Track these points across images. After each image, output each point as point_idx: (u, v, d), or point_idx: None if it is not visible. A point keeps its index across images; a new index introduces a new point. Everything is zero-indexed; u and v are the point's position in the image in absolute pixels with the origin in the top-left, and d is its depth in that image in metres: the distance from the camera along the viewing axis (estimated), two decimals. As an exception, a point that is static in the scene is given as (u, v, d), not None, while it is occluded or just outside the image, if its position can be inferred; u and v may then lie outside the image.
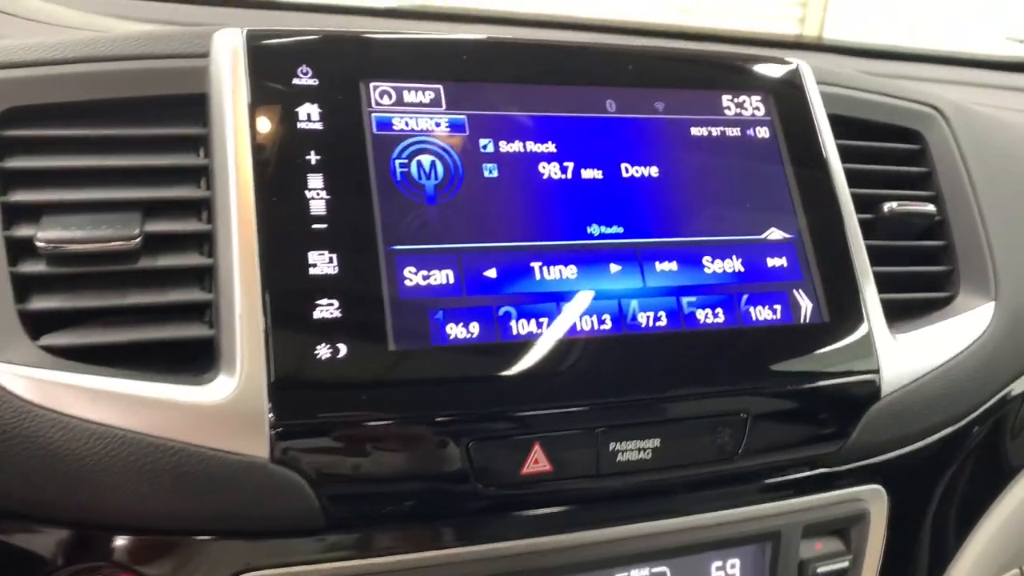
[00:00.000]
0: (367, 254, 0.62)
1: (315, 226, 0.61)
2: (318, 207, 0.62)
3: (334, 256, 0.61)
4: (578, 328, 0.67)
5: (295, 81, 0.65)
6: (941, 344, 0.81)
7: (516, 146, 0.69)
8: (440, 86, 0.68)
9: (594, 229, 0.70)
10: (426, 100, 0.68)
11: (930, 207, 0.86)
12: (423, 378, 0.61)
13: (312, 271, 0.61)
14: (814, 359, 0.73)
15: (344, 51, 0.67)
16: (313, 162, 0.63)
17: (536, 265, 0.68)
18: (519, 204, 0.68)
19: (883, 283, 0.79)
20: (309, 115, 0.65)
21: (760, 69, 0.82)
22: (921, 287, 0.85)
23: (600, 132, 0.73)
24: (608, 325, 0.68)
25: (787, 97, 0.81)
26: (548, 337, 0.66)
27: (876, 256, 0.80)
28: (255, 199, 0.60)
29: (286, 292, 0.59)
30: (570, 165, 0.71)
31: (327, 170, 0.63)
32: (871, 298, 0.77)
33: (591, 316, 0.68)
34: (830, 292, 0.75)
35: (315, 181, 0.63)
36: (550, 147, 0.70)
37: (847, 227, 0.78)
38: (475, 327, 0.64)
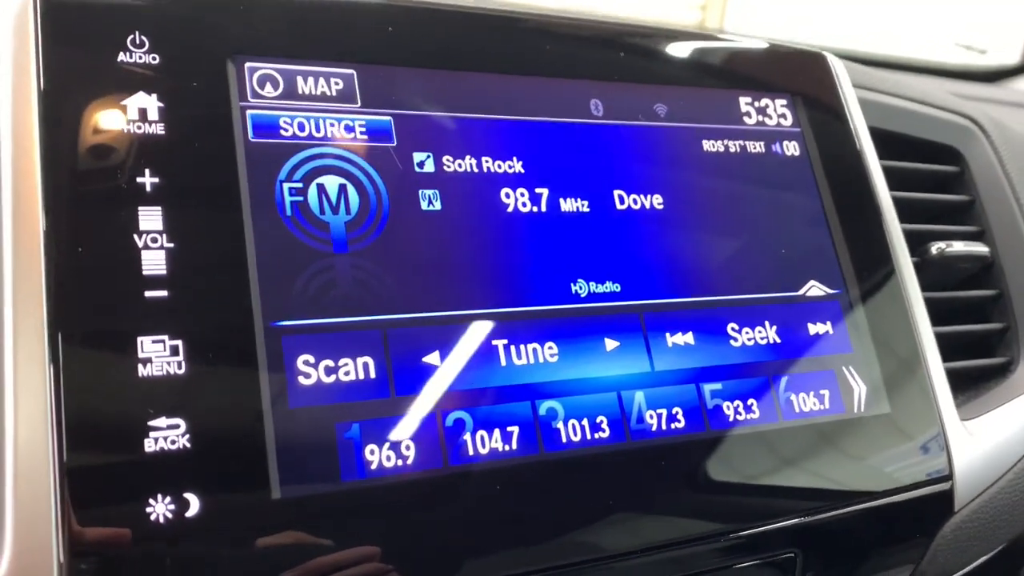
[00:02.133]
0: (235, 338, 0.41)
1: (149, 294, 0.39)
2: (154, 262, 0.40)
3: (179, 344, 0.39)
4: (563, 439, 0.45)
5: (122, 58, 0.43)
6: (1015, 432, 0.62)
7: (467, 163, 0.49)
8: (353, 71, 0.48)
9: (580, 287, 0.49)
10: (332, 91, 0.47)
11: (983, 248, 0.68)
12: (328, 543, 0.40)
13: (143, 371, 0.39)
14: (874, 465, 0.53)
15: (203, 13, 0.46)
16: (148, 188, 0.41)
17: (500, 344, 0.46)
18: (472, 252, 0.47)
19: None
20: (144, 112, 0.42)
21: (781, 61, 0.61)
22: (973, 350, 0.66)
23: (584, 145, 0.52)
24: (605, 432, 0.46)
25: (818, 101, 0.61)
26: (521, 456, 0.44)
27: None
28: (45, 248, 0.39)
29: (96, 408, 0.37)
30: (543, 192, 0.50)
31: (172, 201, 0.41)
32: (937, 374, 0.58)
33: (580, 420, 0.46)
34: (888, 368, 0.55)
35: (151, 220, 0.41)
36: (515, 166, 0.50)
37: (903, 276, 0.59)
38: (411, 449, 0.42)
